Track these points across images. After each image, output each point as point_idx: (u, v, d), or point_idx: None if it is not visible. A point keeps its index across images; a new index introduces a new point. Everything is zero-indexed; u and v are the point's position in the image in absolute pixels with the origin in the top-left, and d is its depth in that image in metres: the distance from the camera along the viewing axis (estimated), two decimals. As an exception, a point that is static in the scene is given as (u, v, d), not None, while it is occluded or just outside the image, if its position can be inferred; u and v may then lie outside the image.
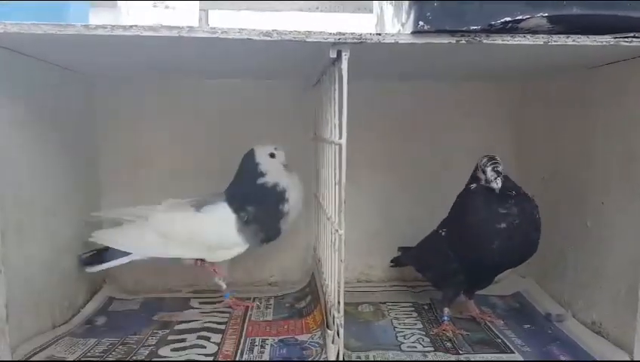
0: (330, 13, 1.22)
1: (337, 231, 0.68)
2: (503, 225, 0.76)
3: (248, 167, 0.90)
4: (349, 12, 1.20)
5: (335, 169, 0.68)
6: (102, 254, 0.88)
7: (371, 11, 0.98)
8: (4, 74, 0.67)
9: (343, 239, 0.67)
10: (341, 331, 0.69)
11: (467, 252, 0.81)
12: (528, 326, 0.86)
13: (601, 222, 0.80)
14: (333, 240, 0.73)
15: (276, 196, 0.88)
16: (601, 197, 0.80)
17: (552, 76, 0.94)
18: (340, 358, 0.69)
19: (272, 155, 0.89)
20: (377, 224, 1.08)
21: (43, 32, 0.59)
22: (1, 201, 0.63)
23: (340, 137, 0.65)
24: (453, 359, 0.74)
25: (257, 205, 0.87)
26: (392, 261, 1.05)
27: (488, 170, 0.77)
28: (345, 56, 0.63)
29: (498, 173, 0.77)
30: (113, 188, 1.03)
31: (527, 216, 0.78)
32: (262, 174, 0.88)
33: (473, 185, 0.82)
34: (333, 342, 0.70)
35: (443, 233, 0.87)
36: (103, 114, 1.01)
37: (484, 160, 0.79)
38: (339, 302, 0.69)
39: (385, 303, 0.96)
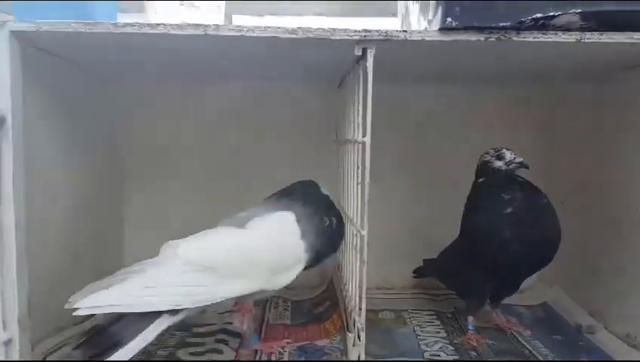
0: (353, 18, 1.22)
1: (359, 232, 0.67)
2: (510, 210, 0.74)
3: None
4: (372, 16, 1.19)
5: (358, 169, 0.67)
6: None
7: (395, 15, 0.97)
8: (34, 74, 0.68)
9: (366, 240, 0.66)
10: (362, 334, 0.67)
11: (484, 250, 0.78)
12: (557, 336, 0.82)
13: (636, 229, 0.77)
14: (354, 242, 0.72)
15: None
16: (635, 202, 0.77)
17: (585, 77, 0.90)
18: (362, 358, 0.67)
19: None
20: (398, 229, 1.06)
21: (74, 30, 0.60)
22: (29, 198, 0.63)
23: (364, 135, 0.64)
24: (479, 368, 0.72)
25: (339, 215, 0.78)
26: (414, 271, 1.03)
27: (505, 152, 0.78)
28: (370, 54, 0.62)
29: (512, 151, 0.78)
30: (137, 192, 1.03)
31: (535, 200, 0.75)
32: None
33: (481, 179, 0.80)
34: (354, 345, 0.69)
35: (461, 238, 0.85)
36: (127, 115, 1.02)
37: (493, 150, 0.80)
38: (360, 306, 0.68)
39: (406, 310, 0.94)
